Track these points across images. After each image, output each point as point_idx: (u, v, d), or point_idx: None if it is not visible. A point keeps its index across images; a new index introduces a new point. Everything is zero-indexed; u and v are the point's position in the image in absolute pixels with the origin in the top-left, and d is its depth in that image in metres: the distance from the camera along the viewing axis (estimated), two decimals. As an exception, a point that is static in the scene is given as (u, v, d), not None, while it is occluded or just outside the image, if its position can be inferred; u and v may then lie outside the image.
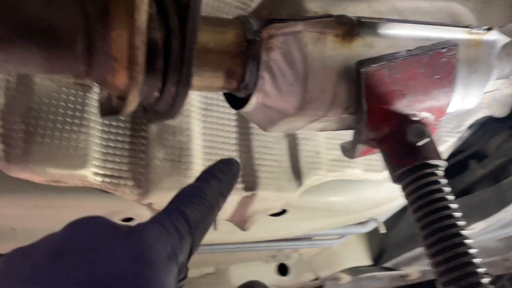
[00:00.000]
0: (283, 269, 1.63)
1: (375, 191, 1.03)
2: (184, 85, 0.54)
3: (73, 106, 0.69)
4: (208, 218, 0.44)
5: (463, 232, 0.57)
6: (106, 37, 0.49)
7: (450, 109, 0.71)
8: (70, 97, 0.69)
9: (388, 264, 1.72)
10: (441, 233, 0.56)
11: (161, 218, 0.41)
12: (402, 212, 1.40)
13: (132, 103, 0.52)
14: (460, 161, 1.53)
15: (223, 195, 0.47)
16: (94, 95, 0.71)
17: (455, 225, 0.58)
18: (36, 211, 0.73)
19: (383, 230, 1.19)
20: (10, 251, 0.38)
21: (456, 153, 1.55)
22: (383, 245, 1.71)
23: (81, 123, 0.69)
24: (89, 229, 0.38)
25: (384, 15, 0.65)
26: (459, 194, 1.47)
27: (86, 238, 0.37)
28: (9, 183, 0.66)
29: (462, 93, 0.71)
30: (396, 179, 0.64)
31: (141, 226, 0.40)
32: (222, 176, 0.48)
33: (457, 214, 0.59)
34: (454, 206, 0.59)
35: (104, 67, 0.51)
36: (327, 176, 0.90)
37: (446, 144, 1.13)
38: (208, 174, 0.48)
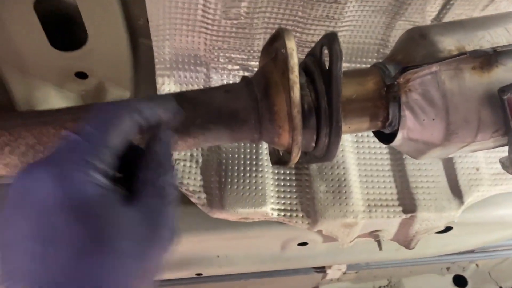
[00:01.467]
0: (460, 281, 1.56)
1: (554, 198, 0.96)
2: (334, 136, 0.64)
3: (249, 157, 0.86)
4: None
5: None
6: (271, 111, 0.63)
7: None
8: (247, 150, 0.87)
9: None
10: None
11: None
12: None
13: (296, 158, 0.65)
14: None
15: None
16: (264, 145, 0.87)
17: None
18: (233, 241, 0.92)
19: None
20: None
21: None
22: None
23: (257, 169, 0.86)
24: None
25: (525, 34, 0.65)
26: None
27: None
28: (212, 221, 0.85)
29: None
30: None
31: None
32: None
33: None
34: None
35: (271, 133, 0.65)
36: (490, 191, 0.89)
37: None
38: None
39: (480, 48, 0.63)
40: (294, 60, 0.59)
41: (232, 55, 0.88)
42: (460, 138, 0.66)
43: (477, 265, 1.53)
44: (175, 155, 0.83)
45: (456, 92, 0.63)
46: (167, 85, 0.86)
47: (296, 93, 0.60)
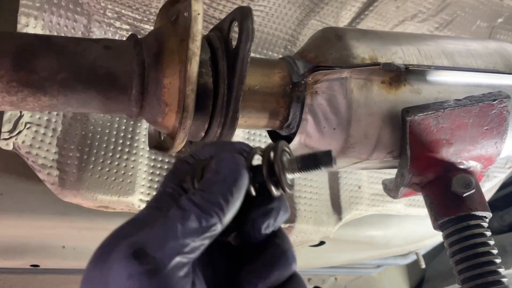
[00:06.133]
0: (317, 292, 1.62)
1: (417, 226, 1.01)
2: (228, 128, 0.55)
3: (123, 135, 0.73)
4: None
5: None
6: (159, 84, 0.52)
7: (500, 156, 0.69)
8: (122, 126, 0.73)
9: (427, 296, 1.66)
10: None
11: None
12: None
13: (179, 145, 0.54)
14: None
15: None
16: (144, 125, 0.74)
17: (499, 282, 0.56)
18: (84, 232, 0.77)
19: (423, 265, 1.16)
20: None
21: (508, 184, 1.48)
22: (423, 275, 1.66)
23: (130, 151, 0.72)
24: None
25: (433, 59, 0.64)
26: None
27: None
28: (63, 205, 0.70)
29: (514, 141, 0.69)
30: (438, 227, 0.63)
31: None
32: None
33: (502, 270, 0.57)
34: (498, 260, 0.58)
35: (155, 110, 0.53)
36: (367, 210, 0.89)
37: (495, 180, 1.08)
38: None
39: (393, 62, 0.60)
40: (198, 27, 0.48)
41: (123, 11, 0.73)
42: (356, 153, 0.62)
43: (336, 278, 1.59)
44: (26, 117, 0.65)
45: (362, 104, 0.59)
46: (32, 28, 0.68)
47: (194, 67, 0.49)
